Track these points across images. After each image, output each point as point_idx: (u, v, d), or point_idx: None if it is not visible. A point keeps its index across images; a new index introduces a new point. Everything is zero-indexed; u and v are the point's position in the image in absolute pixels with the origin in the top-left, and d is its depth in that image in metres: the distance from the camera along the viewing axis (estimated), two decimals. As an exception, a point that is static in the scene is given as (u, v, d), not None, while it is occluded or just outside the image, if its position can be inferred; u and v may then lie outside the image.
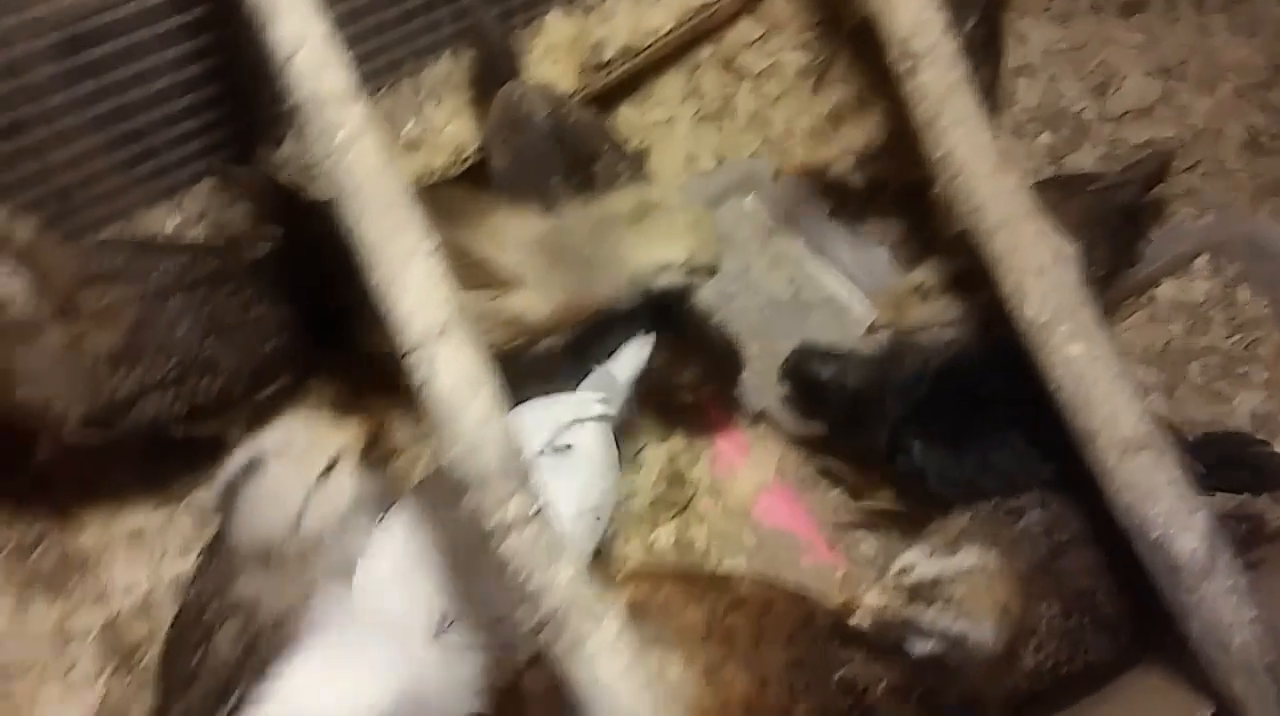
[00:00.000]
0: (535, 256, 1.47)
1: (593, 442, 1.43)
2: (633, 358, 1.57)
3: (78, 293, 1.37)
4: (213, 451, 1.73)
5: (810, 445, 1.87)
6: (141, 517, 1.74)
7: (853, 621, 1.32)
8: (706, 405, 1.88)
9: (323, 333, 1.62)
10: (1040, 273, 1.29)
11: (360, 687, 1.13)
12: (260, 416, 1.66)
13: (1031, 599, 1.39)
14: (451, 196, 1.56)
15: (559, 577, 0.98)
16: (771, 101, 2.10)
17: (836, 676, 1.34)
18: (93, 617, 1.68)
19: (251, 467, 1.29)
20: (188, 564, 1.70)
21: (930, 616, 1.29)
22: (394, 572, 1.27)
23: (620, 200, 1.50)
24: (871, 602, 1.30)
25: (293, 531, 1.28)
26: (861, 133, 1.76)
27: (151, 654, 1.65)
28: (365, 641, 1.19)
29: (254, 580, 1.32)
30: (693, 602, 1.28)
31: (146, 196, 1.75)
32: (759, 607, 1.34)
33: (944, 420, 1.60)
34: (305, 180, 1.74)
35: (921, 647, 1.31)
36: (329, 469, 1.29)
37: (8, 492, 1.72)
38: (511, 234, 1.49)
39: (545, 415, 1.42)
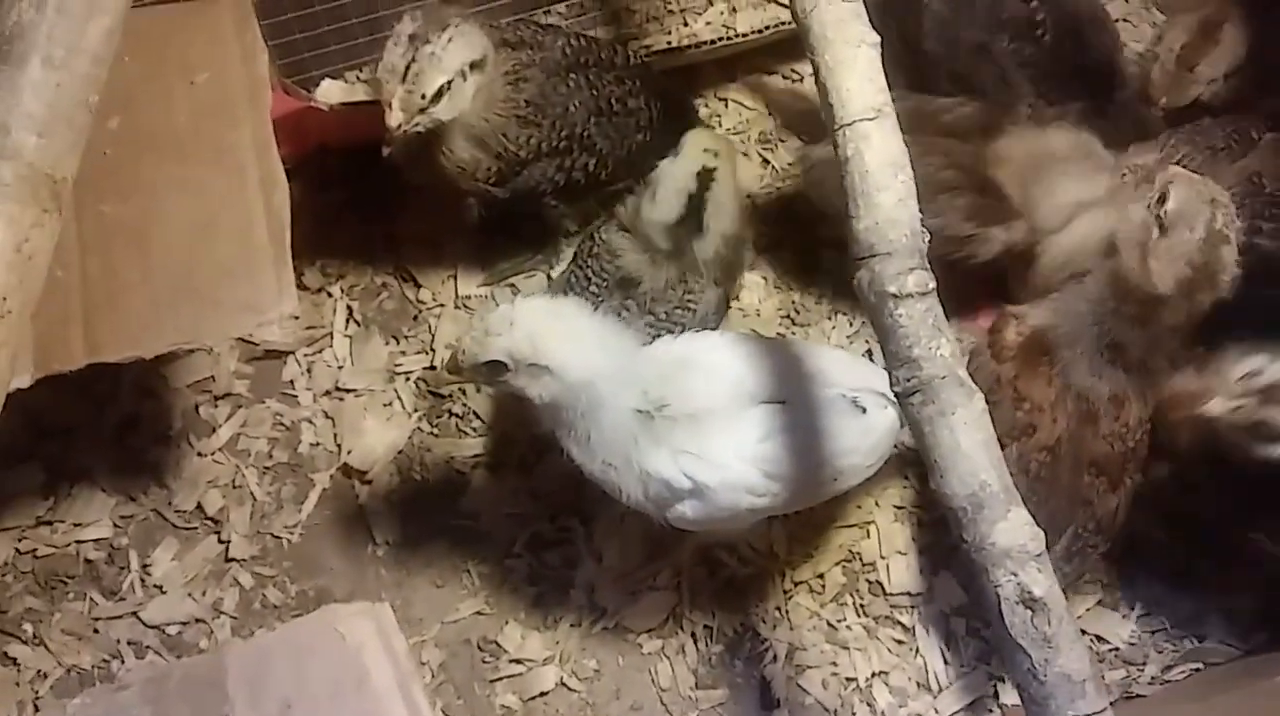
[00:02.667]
0: (1020, 186, 1.64)
1: (886, 419, 1.50)
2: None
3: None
4: (532, 243, 1.92)
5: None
6: (469, 288, 1.94)
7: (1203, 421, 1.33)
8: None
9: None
10: None
11: (567, 352, 1.33)
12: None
13: None
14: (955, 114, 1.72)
15: (941, 350, 1.07)
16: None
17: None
18: (415, 363, 1.90)
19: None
20: (503, 335, 1.90)
21: None
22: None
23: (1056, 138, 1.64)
24: (1217, 410, 1.30)
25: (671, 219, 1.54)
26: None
27: (457, 406, 1.87)
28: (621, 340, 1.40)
29: (637, 257, 1.60)
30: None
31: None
32: None
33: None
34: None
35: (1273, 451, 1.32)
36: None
37: (364, 245, 1.97)
38: (1014, 158, 1.66)
39: (872, 373, 1.50)
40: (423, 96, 1.45)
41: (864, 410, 1.46)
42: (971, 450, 1.06)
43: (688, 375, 1.42)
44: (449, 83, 1.47)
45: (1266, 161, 1.66)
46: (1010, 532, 1.05)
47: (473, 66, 1.50)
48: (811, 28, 1.16)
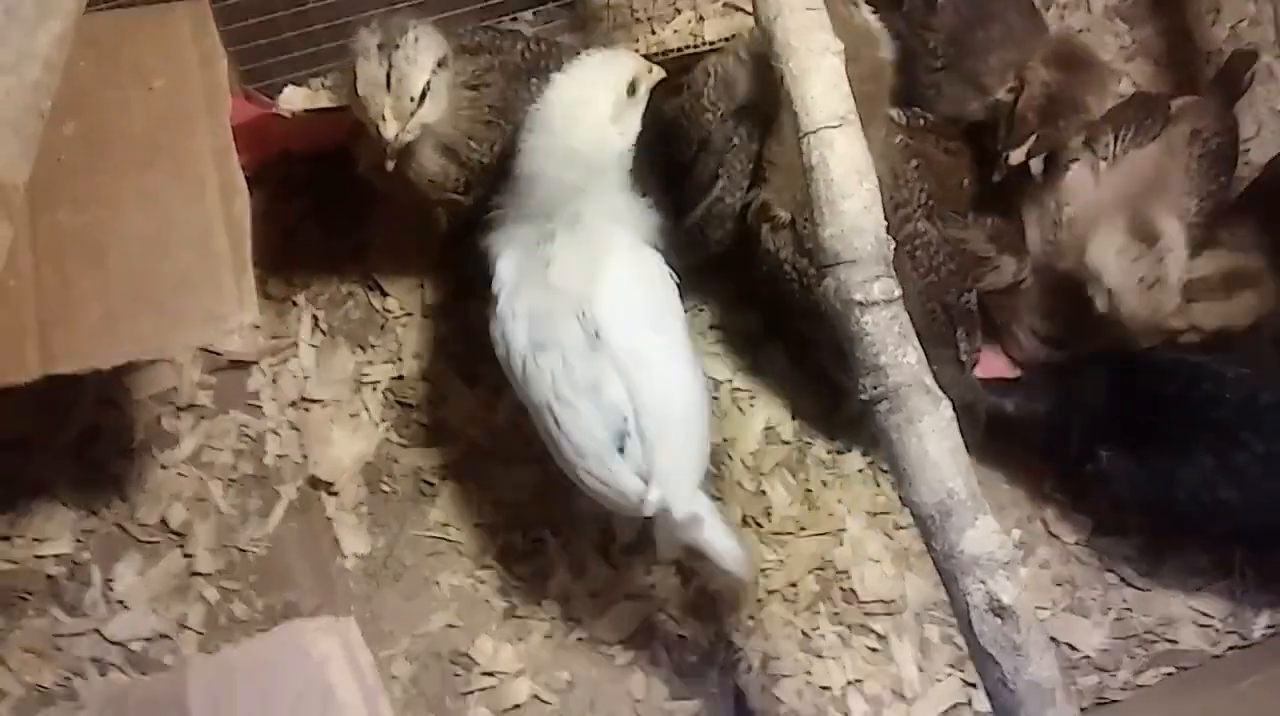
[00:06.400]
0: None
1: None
2: None
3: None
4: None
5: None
6: (436, 296, 1.92)
7: None
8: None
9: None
10: None
11: None
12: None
13: None
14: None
15: (907, 358, 1.07)
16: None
17: None
18: (383, 372, 1.87)
19: None
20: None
21: None
22: None
23: None
24: None
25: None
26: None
27: (425, 416, 1.85)
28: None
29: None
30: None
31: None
32: None
33: (1133, 431, 1.63)
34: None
35: None
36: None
37: (330, 253, 1.94)
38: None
39: None
40: (411, 99, 1.43)
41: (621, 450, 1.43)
42: (939, 458, 1.06)
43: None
44: (428, 82, 1.45)
45: None
46: (979, 540, 1.04)
47: (439, 64, 1.48)
48: (776, 36, 1.16)
